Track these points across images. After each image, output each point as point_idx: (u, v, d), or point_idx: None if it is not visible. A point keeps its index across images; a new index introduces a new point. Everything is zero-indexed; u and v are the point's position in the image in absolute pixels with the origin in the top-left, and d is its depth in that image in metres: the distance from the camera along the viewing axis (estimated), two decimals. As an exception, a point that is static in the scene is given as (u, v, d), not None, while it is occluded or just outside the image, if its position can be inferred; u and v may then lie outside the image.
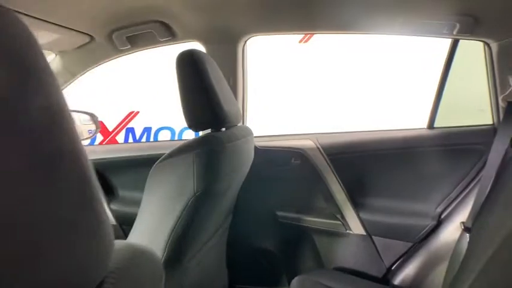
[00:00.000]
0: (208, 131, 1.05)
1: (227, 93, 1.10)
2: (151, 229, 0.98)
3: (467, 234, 1.30)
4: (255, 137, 1.39)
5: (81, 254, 0.29)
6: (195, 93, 0.99)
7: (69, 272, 0.28)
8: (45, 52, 1.11)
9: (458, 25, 1.16)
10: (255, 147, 1.39)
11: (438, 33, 1.21)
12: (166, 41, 1.33)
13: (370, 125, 1.75)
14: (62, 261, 0.27)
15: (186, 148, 0.92)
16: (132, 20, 1.24)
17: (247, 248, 1.60)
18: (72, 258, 0.28)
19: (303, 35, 3.02)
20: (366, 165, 1.52)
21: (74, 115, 1.24)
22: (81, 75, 1.51)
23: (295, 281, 1.29)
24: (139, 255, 0.41)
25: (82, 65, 1.47)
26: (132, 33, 1.28)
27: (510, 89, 1.29)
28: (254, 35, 1.40)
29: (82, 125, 1.62)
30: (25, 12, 1.01)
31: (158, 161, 0.94)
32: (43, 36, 1.28)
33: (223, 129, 1.06)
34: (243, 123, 1.54)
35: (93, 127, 1.63)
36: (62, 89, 0.32)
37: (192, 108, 1.00)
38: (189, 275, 1.07)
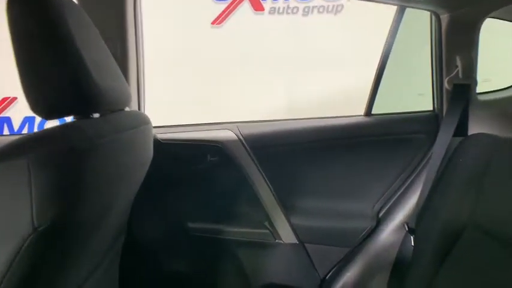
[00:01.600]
0: (71, 118, 0.64)
1: (104, 62, 0.71)
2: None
3: (411, 237, 1.15)
4: (156, 127, 1.02)
5: None
6: (45, 57, 0.58)
7: None
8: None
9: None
10: (156, 141, 1.03)
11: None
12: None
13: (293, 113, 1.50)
14: None
15: (19, 148, 0.51)
16: None
17: (149, 272, 1.23)
18: None
19: (216, 16, 2.70)
20: (296, 160, 1.27)
21: None
22: None
23: None
24: None
25: None
26: None
27: (456, 70, 1.14)
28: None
29: None
30: None
31: None
32: None
33: (97, 115, 0.67)
34: (139, 108, 1.14)
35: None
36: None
37: (39, 82, 0.59)
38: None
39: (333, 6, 2.30)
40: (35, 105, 0.58)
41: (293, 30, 2.42)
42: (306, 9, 2.42)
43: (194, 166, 1.20)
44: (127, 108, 0.79)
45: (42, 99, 0.58)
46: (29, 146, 0.51)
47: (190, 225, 1.23)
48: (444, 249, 0.94)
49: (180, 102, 2.08)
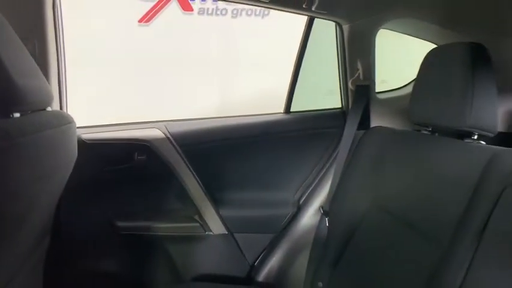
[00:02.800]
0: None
1: (22, 62, 0.71)
2: None
3: (326, 218, 1.29)
4: (81, 127, 1.02)
5: None
6: None
7: None
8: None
9: (316, 1, 1.07)
10: (80, 141, 1.02)
11: (298, 8, 1.11)
12: None
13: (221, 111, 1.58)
14: None
15: None
16: None
17: (78, 274, 1.21)
18: None
19: (143, 14, 2.66)
20: (223, 156, 1.35)
21: None
22: None
23: None
24: None
25: None
26: None
27: (358, 73, 1.32)
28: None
29: None
30: None
31: None
32: None
33: (17, 114, 0.67)
34: (60, 108, 1.12)
35: None
36: None
37: None
38: None
39: (261, 9, 2.41)
40: None
41: (222, 32, 2.50)
42: (235, 12, 2.51)
43: (121, 165, 1.22)
44: (49, 108, 0.80)
45: None
46: None
47: (120, 224, 1.24)
48: (352, 227, 1.09)
49: (106, 102, 2.04)
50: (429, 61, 1.00)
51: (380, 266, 0.97)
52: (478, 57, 0.86)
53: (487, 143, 0.87)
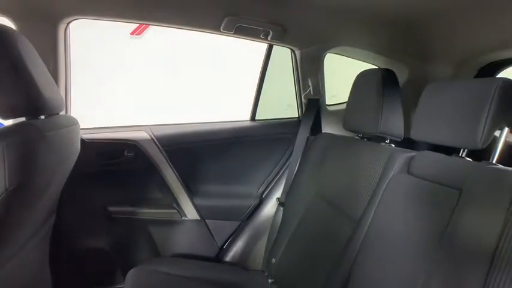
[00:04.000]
0: (23, 119, 0.92)
1: (46, 78, 0.99)
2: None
3: (282, 208, 1.57)
4: (82, 129, 1.29)
5: None
6: (4, 75, 0.85)
7: None
8: None
9: (271, 32, 1.38)
10: (82, 140, 1.29)
11: (257, 37, 1.41)
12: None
13: (202, 117, 1.85)
14: None
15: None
16: None
17: (76, 249, 1.47)
18: None
19: (136, 26, 2.88)
20: (198, 155, 1.62)
21: None
22: None
23: (130, 274, 1.27)
24: None
25: None
26: None
27: (309, 89, 1.62)
28: (77, 17, 1.28)
29: None
30: None
31: None
32: None
33: (42, 117, 0.95)
34: (66, 112, 1.39)
35: None
36: None
37: (5, 95, 0.86)
38: (11, 277, 0.92)
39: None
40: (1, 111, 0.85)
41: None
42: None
43: (113, 160, 1.48)
44: (62, 113, 1.07)
45: (4, 105, 0.86)
46: (3, 135, 0.79)
47: (111, 208, 1.50)
48: (300, 214, 1.36)
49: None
50: (356, 83, 1.31)
51: (316, 241, 1.25)
52: (387, 81, 1.17)
53: (399, 146, 1.16)
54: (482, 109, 0.77)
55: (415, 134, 0.97)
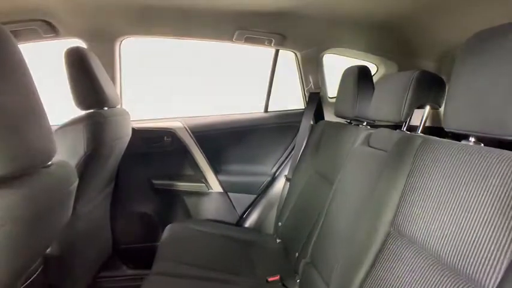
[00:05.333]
0: (93, 110, 1.36)
1: (107, 82, 1.43)
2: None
3: (288, 183, 1.91)
4: (133, 120, 1.73)
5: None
6: (83, 80, 1.30)
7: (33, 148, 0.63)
8: None
9: (273, 40, 1.73)
10: (133, 129, 1.73)
11: (262, 44, 1.77)
12: (49, 37, 1.56)
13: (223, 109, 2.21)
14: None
15: (78, 121, 1.23)
16: (16, 17, 1.45)
17: (127, 211, 1.91)
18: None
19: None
20: (222, 140, 2.01)
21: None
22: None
23: (167, 228, 1.69)
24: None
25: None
26: (15, 29, 1.47)
27: (310, 85, 1.94)
28: (128, 36, 1.73)
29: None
30: None
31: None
32: None
33: (105, 108, 1.39)
34: (120, 106, 1.85)
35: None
36: None
37: (80, 93, 1.31)
38: (81, 222, 1.37)
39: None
40: (78, 103, 1.30)
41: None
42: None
43: (156, 144, 1.92)
44: (118, 106, 1.51)
45: (83, 100, 1.30)
46: (82, 119, 1.23)
47: (155, 181, 1.94)
48: (301, 186, 1.69)
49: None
50: (342, 78, 1.61)
51: (308, 205, 1.57)
52: (362, 76, 1.46)
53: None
54: (403, 93, 1.07)
55: (371, 115, 1.27)
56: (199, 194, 1.99)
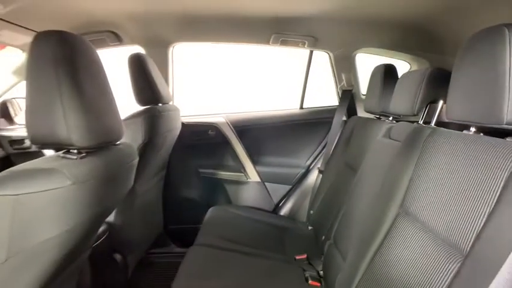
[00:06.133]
0: (150, 106, 1.62)
1: (162, 82, 1.68)
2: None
3: (321, 175, 2.05)
4: (183, 116, 1.98)
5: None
6: (142, 80, 1.56)
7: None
8: (19, 51, 1.58)
9: (306, 42, 1.88)
10: (182, 123, 1.98)
11: (297, 46, 1.93)
12: (115, 45, 1.85)
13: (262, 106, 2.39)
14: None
15: (137, 115, 1.48)
16: (90, 29, 1.75)
17: (177, 196, 2.17)
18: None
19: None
20: (260, 134, 2.20)
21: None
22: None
23: (210, 210, 1.91)
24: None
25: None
26: (89, 39, 1.77)
27: (343, 83, 2.07)
28: (179, 42, 1.98)
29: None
30: (5, 19, 1.46)
31: None
32: (15, 38, 1.72)
33: (160, 104, 1.64)
34: (172, 103, 2.11)
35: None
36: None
37: (141, 90, 1.57)
38: (138, 200, 1.63)
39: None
40: (138, 99, 1.56)
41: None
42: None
43: (201, 137, 2.16)
44: (170, 103, 1.77)
45: (141, 97, 1.56)
46: (141, 113, 1.48)
47: (200, 170, 2.18)
48: (332, 177, 1.83)
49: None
50: (371, 76, 1.72)
51: (337, 194, 1.71)
52: (387, 73, 1.57)
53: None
54: (417, 89, 1.18)
55: (391, 109, 1.38)
56: (238, 183, 2.20)
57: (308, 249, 1.64)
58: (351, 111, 2.09)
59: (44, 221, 0.67)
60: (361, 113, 2.07)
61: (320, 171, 2.07)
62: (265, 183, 2.20)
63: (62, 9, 1.56)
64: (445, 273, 0.71)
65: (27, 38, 1.66)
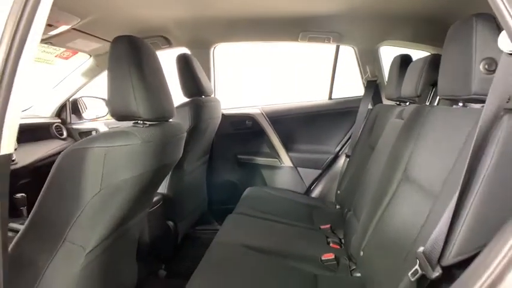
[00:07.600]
0: (195, 98, 1.91)
1: (205, 78, 1.97)
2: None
3: (348, 159, 2.24)
4: (223, 108, 2.27)
5: None
6: (188, 76, 1.86)
7: None
8: (85, 55, 1.94)
9: (331, 38, 2.08)
10: (222, 114, 2.26)
11: (323, 42, 2.13)
12: (165, 48, 2.18)
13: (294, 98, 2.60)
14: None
15: (184, 104, 1.78)
16: (145, 35, 2.09)
17: (219, 179, 2.46)
18: None
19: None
20: (293, 124, 2.42)
21: (91, 100, 2.25)
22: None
23: (247, 190, 2.17)
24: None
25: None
26: (145, 43, 2.12)
27: (367, 74, 2.24)
28: (219, 43, 2.27)
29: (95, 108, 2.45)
30: (80, 29, 1.81)
31: None
32: (86, 45, 2.09)
33: (203, 96, 1.94)
34: (214, 95, 2.41)
35: (102, 111, 2.45)
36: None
37: (187, 85, 1.87)
38: (186, 177, 1.93)
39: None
40: (185, 93, 1.86)
41: None
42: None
43: (240, 126, 2.43)
44: (212, 95, 2.05)
45: (188, 91, 1.86)
46: (188, 103, 1.78)
47: (239, 156, 2.45)
48: (357, 161, 2.02)
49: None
50: (390, 65, 1.89)
51: (360, 172, 1.89)
52: (403, 62, 1.74)
53: None
54: (419, 73, 1.35)
55: (402, 93, 1.55)
56: (273, 168, 2.44)
57: (333, 221, 1.84)
58: (377, 100, 2.25)
59: (122, 166, 0.96)
60: (385, 101, 2.22)
61: (347, 156, 2.25)
62: (298, 168, 2.41)
63: (123, 19, 1.90)
64: (423, 214, 0.90)
65: (95, 45, 2.03)
